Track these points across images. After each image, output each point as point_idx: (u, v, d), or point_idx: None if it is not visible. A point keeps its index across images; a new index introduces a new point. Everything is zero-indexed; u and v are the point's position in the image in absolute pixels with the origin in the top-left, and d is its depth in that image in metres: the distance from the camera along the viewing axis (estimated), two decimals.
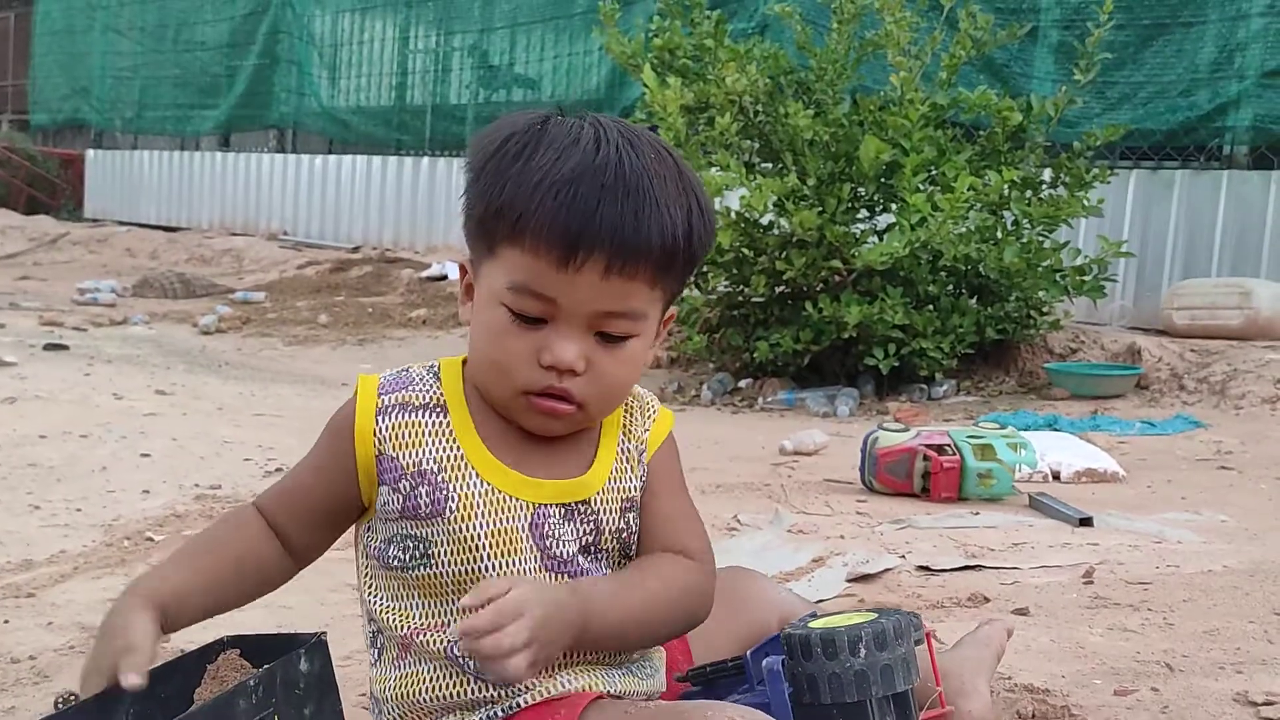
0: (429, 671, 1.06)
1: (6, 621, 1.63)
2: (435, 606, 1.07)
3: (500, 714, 1.05)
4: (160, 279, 7.54)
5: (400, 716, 1.08)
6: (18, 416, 3.15)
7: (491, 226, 1.04)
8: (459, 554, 1.06)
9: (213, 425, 3.29)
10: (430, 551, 1.06)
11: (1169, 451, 3.34)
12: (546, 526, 1.08)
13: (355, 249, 9.04)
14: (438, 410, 1.10)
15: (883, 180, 4.41)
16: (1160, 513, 2.53)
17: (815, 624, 1.09)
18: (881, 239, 4.38)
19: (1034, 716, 1.33)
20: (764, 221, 4.50)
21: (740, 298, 4.78)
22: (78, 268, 8.88)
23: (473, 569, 1.06)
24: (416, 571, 1.07)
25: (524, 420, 1.08)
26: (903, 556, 2.13)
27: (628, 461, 1.14)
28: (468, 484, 1.06)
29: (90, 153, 12.35)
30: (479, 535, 1.06)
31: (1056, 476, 2.93)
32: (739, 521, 2.42)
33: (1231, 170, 5.32)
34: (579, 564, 1.09)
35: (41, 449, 2.78)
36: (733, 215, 4.41)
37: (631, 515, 1.13)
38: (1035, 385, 4.65)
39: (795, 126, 4.29)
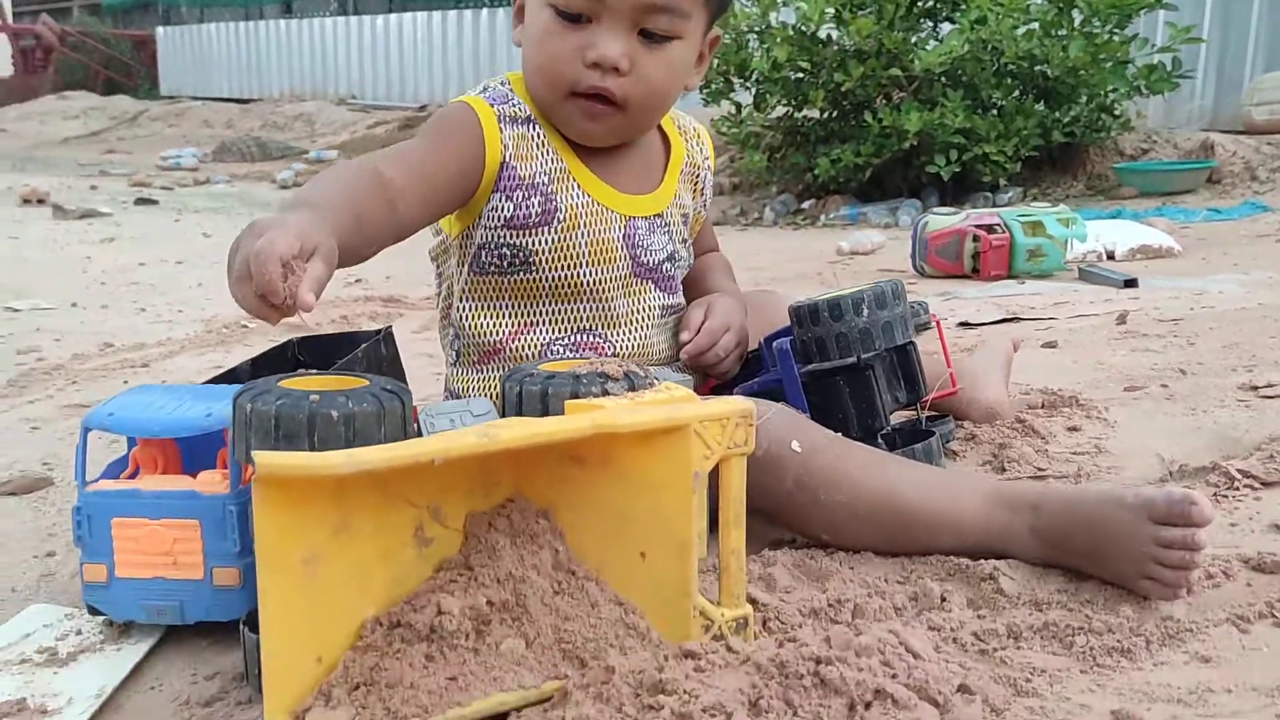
0: None
1: (125, 382, 1.84)
2: (528, 308, 1.18)
3: None
4: (237, 144, 7.76)
5: None
6: (118, 252, 3.38)
7: None
8: (560, 261, 1.16)
9: None
10: (531, 259, 1.15)
11: (1231, 232, 3.32)
12: (636, 237, 1.20)
13: (422, 107, 9.13)
14: (533, 123, 1.16)
15: None
16: (1209, 276, 2.57)
17: (819, 296, 1.21)
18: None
19: (1043, 405, 1.44)
20: (821, 35, 4.46)
21: (799, 121, 4.78)
22: (158, 140, 9.14)
23: (571, 275, 1.17)
24: (515, 276, 1.16)
25: (570, 125, 1.15)
26: (944, 317, 2.22)
27: (685, 182, 1.28)
28: (572, 196, 1.16)
29: (160, 30, 12.52)
30: (580, 245, 1.16)
31: (1111, 255, 2.95)
32: None
33: None
34: (664, 270, 1.24)
35: (141, 273, 3.01)
36: (790, 30, 4.38)
37: (685, 226, 1.28)
38: (1103, 188, 4.59)
39: None
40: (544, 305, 1.19)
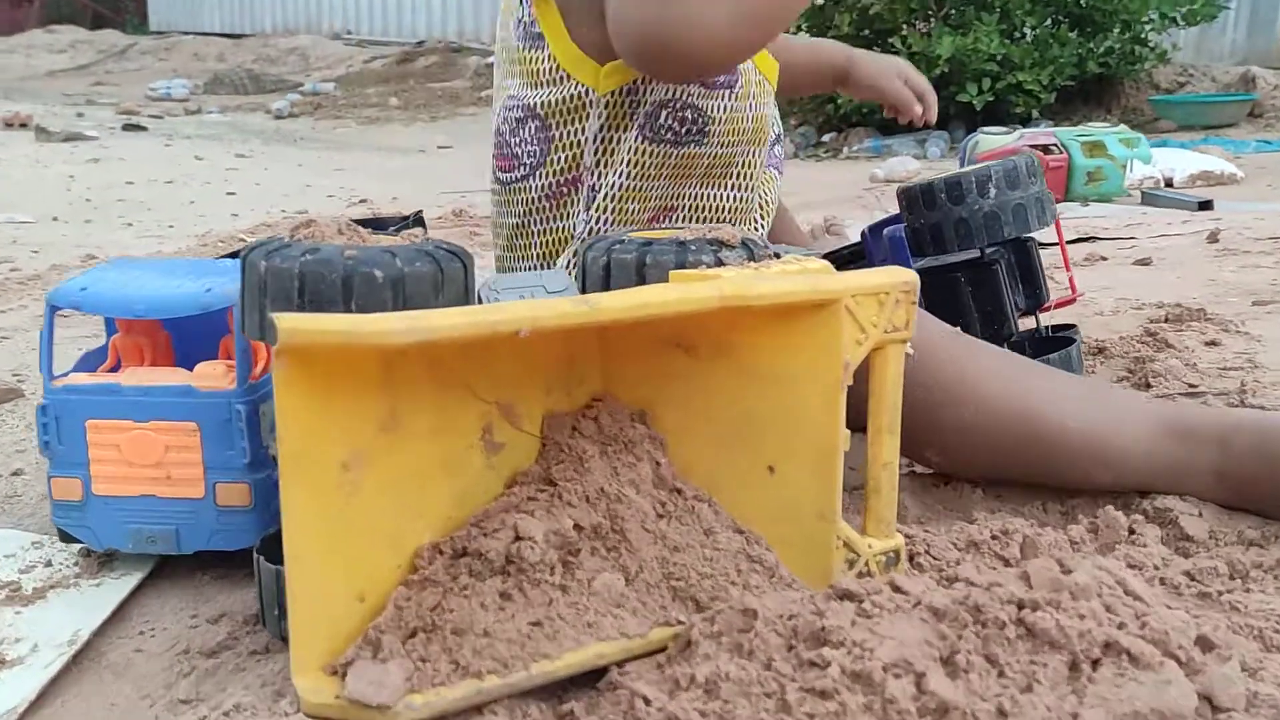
0: None
1: None
2: (673, 191, 0.98)
3: None
4: (230, 76, 7.48)
5: None
6: (103, 171, 3.17)
7: None
8: (728, 135, 0.97)
9: (294, 175, 3.27)
10: (707, 128, 0.96)
11: None
12: (775, 115, 1.02)
13: (419, 43, 8.83)
14: None
15: None
16: None
17: (934, 176, 1.02)
18: None
19: (1168, 319, 1.26)
20: None
21: None
22: (148, 73, 8.81)
23: (732, 153, 0.98)
24: (687, 149, 0.96)
25: None
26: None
27: None
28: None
29: None
30: (747, 118, 0.97)
31: (1169, 183, 2.76)
32: (835, 217, 2.33)
33: None
34: (775, 154, 1.06)
35: (130, 190, 2.80)
36: None
37: None
38: (1139, 121, 4.38)
39: None
40: (690, 188, 0.98)
